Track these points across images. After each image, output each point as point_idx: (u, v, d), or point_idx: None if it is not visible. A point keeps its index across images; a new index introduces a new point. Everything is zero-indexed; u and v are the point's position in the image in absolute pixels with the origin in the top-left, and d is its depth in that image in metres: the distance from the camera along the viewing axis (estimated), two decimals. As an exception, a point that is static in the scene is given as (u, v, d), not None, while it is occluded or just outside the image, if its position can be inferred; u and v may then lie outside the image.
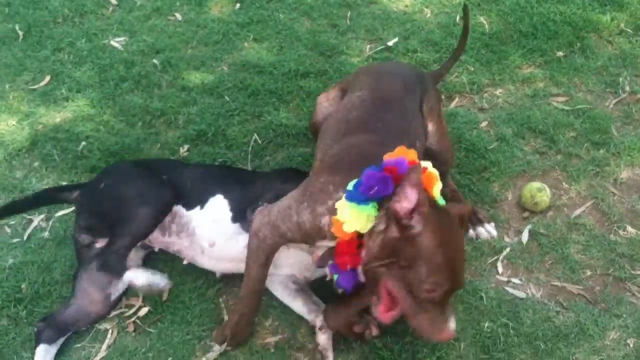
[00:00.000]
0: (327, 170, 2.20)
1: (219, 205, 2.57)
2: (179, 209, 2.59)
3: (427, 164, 2.08)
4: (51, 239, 2.83)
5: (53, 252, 2.77)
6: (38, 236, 2.84)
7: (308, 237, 2.20)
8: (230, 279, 2.65)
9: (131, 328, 2.54)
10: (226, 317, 2.53)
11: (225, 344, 2.43)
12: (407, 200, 1.87)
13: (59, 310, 2.50)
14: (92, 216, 2.56)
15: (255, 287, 2.34)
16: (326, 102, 2.71)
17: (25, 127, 3.31)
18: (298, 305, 2.52)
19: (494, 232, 2.76)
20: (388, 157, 2.01)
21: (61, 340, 2.46)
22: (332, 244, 2.14)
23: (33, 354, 2.40)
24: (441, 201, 2.09)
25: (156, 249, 2.68)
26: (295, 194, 2.24)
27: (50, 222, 2.89)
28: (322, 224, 2.11)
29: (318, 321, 2.42)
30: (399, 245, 1.91)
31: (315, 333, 2.43)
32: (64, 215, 2.91)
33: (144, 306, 2.60)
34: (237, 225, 2.53)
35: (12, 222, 2.89)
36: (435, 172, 2.09)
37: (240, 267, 2.44)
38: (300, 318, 2.53)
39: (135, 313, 2.59)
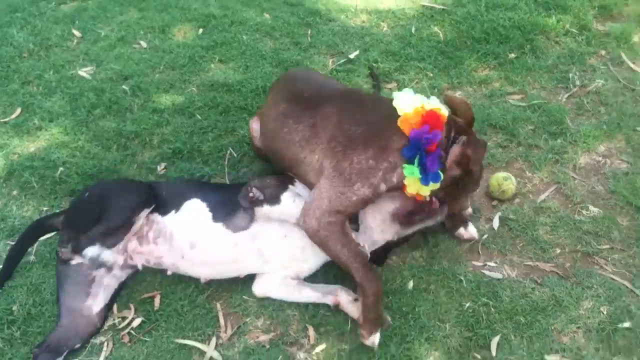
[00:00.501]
0: (352, 150, 2.46)
1: (195, 208, 2.65)
2: (154, 216, 2.66)
3: (419, 99, 2.52)
4: (37, 262, 2.85)
5: (40, 273, 2.80)
6: (24, 260, 2.86)
7: (367, 203, 2.52)
8: (219, 285, 2.72)
9: (126, 339, 2.59)
10: (222, 321, 2.61)
11: (376, 332, 2.48)
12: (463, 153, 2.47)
13: (51, 334, 2.54)
14: (75, 221, 2.63)
15: (362, 262, 2.47)
16: (256, 125, 2.92)
17: (0, 158, 3.34)
18: (309, 294, 2.61)
19: (475, 233, 2.90)
20: (413, 129, 2.43)
21: None
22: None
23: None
24: (445, 112, 2.52)
25: (139, 267, 2.72)
26: (338, 182, 2.46)
27: (35, 246, 2.91)
28: (382, 189, 2.46)
29: (341, 295, 2.55)
30: (458, 178, 2.51)
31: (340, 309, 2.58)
32: (47, 238, 2.94)
33: (137, 317, 2.65)
34: (220, 225, 2.61)
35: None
36: (430, 103, 2.51)
37: (223, 271, 2.58)
38: (291, 315, 2.62)
39: (128, 324, 2.63)
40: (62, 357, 2.51)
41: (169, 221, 2.65)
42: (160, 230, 2.65)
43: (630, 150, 3.21)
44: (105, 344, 2.57)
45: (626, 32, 3.86)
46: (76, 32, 4.15)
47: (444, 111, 2.51)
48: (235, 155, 3.25)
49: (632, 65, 3.69)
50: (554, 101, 3.49)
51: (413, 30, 4.00)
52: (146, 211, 2.62)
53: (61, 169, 3.23)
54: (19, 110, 3.61)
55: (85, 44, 4.06)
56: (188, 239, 2.61)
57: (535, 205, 2.99)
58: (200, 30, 4.10)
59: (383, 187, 2.47)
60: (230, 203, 2.63)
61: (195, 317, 2.64)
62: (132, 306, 2.68)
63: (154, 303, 2.69)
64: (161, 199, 2.70)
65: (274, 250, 2.62)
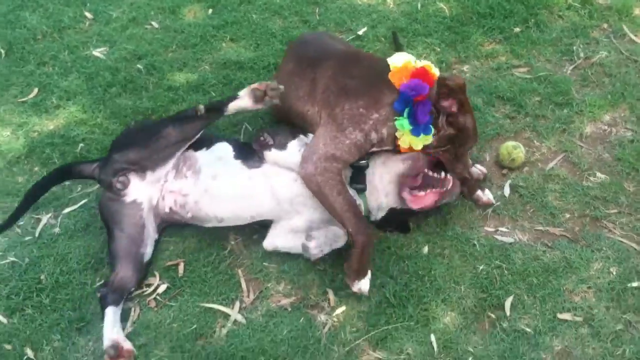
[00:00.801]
0: (345, 98, 2.66)
1: (223, 147, 2.88)
2: (189, 152, 2.87)
3: (406, 57, 2.71)
4: (62, 233, 2.95)
5: (66, 244, 2.89)
6: (49, 232, 2.95)
7: (361, 151, 2.67)
8: (240, 252, 2.82)
9: (153, 304, 2.69)
10: (244, 286, 2.72)
11: (360, 282, 2.59)
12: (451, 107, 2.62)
13: (111, 277, 2.68)
14: (125, 146, 2.84)
15: (355, 212, 2.59)
16: None
17: (20, 136, 3.42)
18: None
19: (484, 169, 3.06)
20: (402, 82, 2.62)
21: (122, 303, 2.63)
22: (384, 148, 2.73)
23: (67, 335, 2.58)
24: (437, 72, 2.71)
25: (167, 209, 2.83)
26: (331, 127, 2.64)
27: (59, 219, 3.01)
28: (372, 137, 2.64)
29: None
30: (452, 137, 2.67)
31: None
32: (72, 211, 3.03)
33: (162, 284, 2.75)
34: (239, 162, 2.81)
35: (21, 223, 3.00)
36: (418, 61, 2.71)
37: (240, 209, 2.74)
38: (311, 280, 2.72)
39: (154, 291, 2.74)
40: (124, 298, 2.66)
41: (200, 155, 2.86)
42: (192, 164, 2.83)
43: (634, 119, 3.31)
44: (133, 309, 2.68)
45: (627, 5, 3.94)
46: (88, 14, 4.21)
47: (435, 70, 2.67)
48: (250, 129, 3.34)
49: (634, 38, 3.78)
50: (559, 73, 3.58)
51: (419, 6, 4.07)
52: (189, 141, 2.86)
53: (81, 145, 3.31)
54: (36, 90, 3.68)
55: (97, 26, 4.12)
56: (212, 172, 2.78)
57: (544, 173, 3.08)
58: (210, 10, 4.17)
59: (374, 135, 2.65)
60: (251, 147, 2.84)
61: (218, 282, 2.74)
62: (157, 274, 2.79)
63: (178, 270, 2.79)
64: (197, 139, 2.90)
65: (285, 190, 2.73)
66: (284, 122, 3.06)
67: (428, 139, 2.66)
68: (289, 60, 3.06)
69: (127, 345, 2.50)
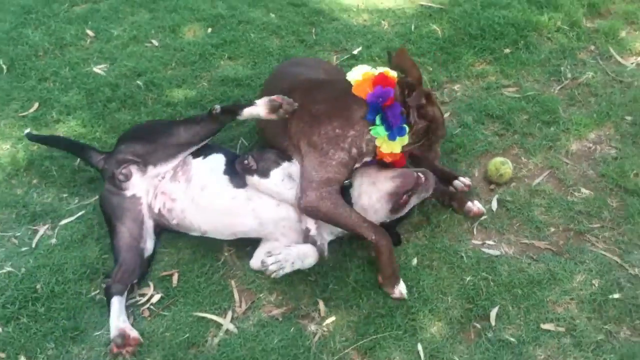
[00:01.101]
0: (318, 124, 2.76)
1: (217, 159, 2.95)
2: (188, 157, 2.96)
3: (364, 69, 2.84)
4: (59, 244, 3.01)
5: (63, 255, 2.96)
6: (45, 243, 3.02)
7: (348, 168, 2.79)
8: (233, 264, 2.89)
9: (146, 313, 2.76)
10: (237, 296, 2.79)
11: (398, 285, 2.71)
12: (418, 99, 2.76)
13: (114, 271, 2.78)
14: (133, 139, 2.99)
15: (366, 222, 2.71)
16: None
17: (19, 149, 3.50)
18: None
19: (468, 181, 3.12)
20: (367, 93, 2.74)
21: (126, 293, 2.75)
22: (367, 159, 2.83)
23: (61, 344, 2.64)
24: (395, 74, 2.81)
25: (156, 210, 2.92)
26: (314, 154, 2.76)
27: (56, 230, 3.08)
28: (354, 153, 2.76)
29: None
30: (425, 129, 2.82)
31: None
32: (68, 222, 3.11)
33: (156, 293, 2.82)
34: (227, 177, 2.87)
35: (18, 234, 3.07)
36: (375, 70, 2.81)
37: (222, 223, 2.83)
38: (302, 291, 2.78)
39: (148, 300, 2.80)
40: (127, 289, 2.76)
41: (195, 164, 2.93)
42: (187, 170, 2.91)
43: (619, 137, 3.40)
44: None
45: (614, 28, 4.06)
46: (89, 32, 4.32)
47: (393, 73, 2.79)
48: (246, 144, 3.43)
49: (620, 59, 3.88)
50: (547, 93, 3.68)
51: (412, 28, 4.19)
52: (197, 145, 2.97)
53: (79, 159, 3.39)
54: (36, 105, 3.77)
55: (98, 43, 4.23)
56: (201, 182, 2.86)
57: (531, 188, 3.16)
58: (209, 29, 4.28)
59: (355, 151, 2.76)
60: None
61: (211, 293, 2.81)
62: (151, 284, 2.85)
63: (172, 280, 2.86)
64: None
65: (269, 214, 2.80)
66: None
67: (405, 140, 2.76)
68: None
69: (134, 333, 2.59)
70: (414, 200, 2.86)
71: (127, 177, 2.90)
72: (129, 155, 2.91)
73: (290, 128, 2.85)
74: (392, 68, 2.84)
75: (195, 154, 2.98)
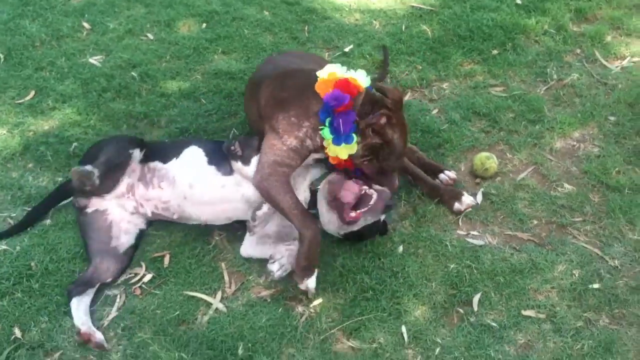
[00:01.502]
0: (279, 109, 2.83)
1: (194, 153, 2.98)
2: (155, 164, 2.97)
3: (333, 69, 2.81)
4: (53, 225, 3.07)
5: (57, 235, 3.01)
6: (40, 223, 3.07)
7: (301, 155, 2.82)
8: (224, 247, 2.96)
9: (138, 292, 2.82)
10: (226, 278, 2.85)
11: (308, 279, 2.72)
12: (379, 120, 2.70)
13: (82, 273, 2.82)
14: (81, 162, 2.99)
15: (300, 210, 2.74)
16: None
17: (16, 135, 3.55)
18: (282, 249, 2.83)
19: (453, 175, 3.20)
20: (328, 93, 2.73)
21: (91, 292, 2.76)
22: (322, 155, 2.85)
23: (54, 318, 2.70)
24: (368, 83, 2.81)
25: (149, 214, 2.98)
26: (271, 136, 2.83)
27: (51, 211, 3.13)
28: (308, 144, 2.80)
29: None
30: (377, 147, 2.73)
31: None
32: (62, 205, 3.15)
33: (148, 273, 2.88)
34: (213, 168, 2.92)
35: (14, 215, 3.12)
36: (345, 73, 2.79)
37: (218, 211, 2.90)
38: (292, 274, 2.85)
39: (140, 279, 2.86)
40: (95, 288, 2.78)
41: (171, 166, 2.95)
42: (164, 175, 2.94)
43: (602, 136, 3.50)
44: (119, 296, 2.80)
45: (600, 32, 4.18)
46: (86, 25, 4.38)
47: (361, 82, 2.78)
48: (238, 134, 3.50)
49: (604, 62, 4.00)
50: (533, 93, 3.78)
51: (403, 28, 4.29)
52: (137, 151, 2.95)
53: (75, 144, 3.45)
54: (32, 93, 3.83)
55: (94, 35, 4.29)
56: (187, 180, 2.90)
57: (515, 182, 3.26)
58: (204, 24, 4.35)
59: (309, 142, 2.80)
60: (222, 151, 2.95)
61: (202, 274, 2.87)
62: (143, 264, 2.91)
63: (164, 261, 2.92)
64: (162, 151, 3.03)
65: (256, 197, 2.87)
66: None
67: (352, 148, 2.72)
68: (248, 86, 3.29)
69: (97, 337, 2.62)
70: (366, 217, 2.80)
71: (86, 205, 2.95)
72: (81, 195, 2.95)
73: (261, 111, 2.93)
74: (375, 86, 2.81)
75: (163, 159, 2.98)
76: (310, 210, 2.85)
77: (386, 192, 2.83)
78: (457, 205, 3.10)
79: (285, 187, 2.76)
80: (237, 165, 2.87)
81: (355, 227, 2.81)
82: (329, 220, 2.84)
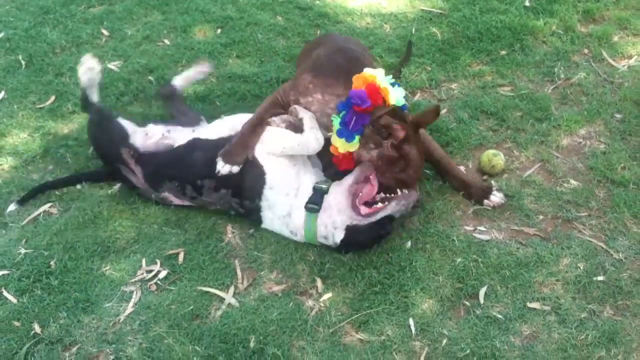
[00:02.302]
0: (309, 72, 3.03)
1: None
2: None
3: (378, 74, 2.89)
4: (72, 224, 3.18)
5: (75, 234, 3.13)
6: (59, 223, 3.18)
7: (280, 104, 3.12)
8: (237, 244, 3.05)
9: (153, 288, 2.91)
10: (239, 274, 2.95)
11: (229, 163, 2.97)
12: (398, 133, 2.82)
13: None
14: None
15: (256, 121, 3.05)
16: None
17: (36, 138, 3.69)
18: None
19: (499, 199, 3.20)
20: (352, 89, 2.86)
21: None
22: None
23: (72, 314, 2.81)
24: (399, 102, 2.89)
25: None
26: (290, 82, 3.17)
27: (70, 211, 3.25)
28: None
29: None
30: (394, 159, 2.86)
31: None
32: (80, 205, 3.27)
33: (163, 270, 2.97)
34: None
35: (36, 213, 3.25)
36: (384, 82, 2.87)
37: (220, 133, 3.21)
38: (301, 270, 2.94)
39: (155, 276, 2.96)
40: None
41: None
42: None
43: (608, 133, 3.54)
44: (135, 292, 2.90)
45: (607, 33, 4.22)
46: (105, 32, 4.52)
47: (392, 97, 2.87)
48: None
49: (611, 62, 4.04)
50: (540, 92, 3.83)
51: (413, 31, 4.37)
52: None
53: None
54: (53, 98, 3.97)
55: (113, 42, 4.43)
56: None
57: (522, 179, 3.31)
58: (219, 30, 4.47)
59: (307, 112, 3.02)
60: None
61: (215, 270, 2.96)
62: (158, 261, 3.01)
63: (178, 258, 3.02)
64: None
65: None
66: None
67: (351, 147, 2.87)
68: (307, 48, 3.53)
69: None
70: (390, 208, 2.91)
71: None
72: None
73: (304, 64, 3.21)
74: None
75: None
76: (310, 205, 2.95)
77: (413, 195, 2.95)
78: (486, 202, 3.17)
79: (270, 106, 3.09)
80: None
81: (379, 214, 2.89)
82: (339, 209, 2.91)
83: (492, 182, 3.28)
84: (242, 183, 3.02)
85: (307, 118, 2.98)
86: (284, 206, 2.99)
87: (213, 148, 3.07)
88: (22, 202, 3.29)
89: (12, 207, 3.28)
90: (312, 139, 2.97)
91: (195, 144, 3.19)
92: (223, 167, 2.98)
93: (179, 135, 3.29)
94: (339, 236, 2.92)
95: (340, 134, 2.86)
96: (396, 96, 2.89)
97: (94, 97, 3.51)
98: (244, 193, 3.04)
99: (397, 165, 2.89)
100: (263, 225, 3.09)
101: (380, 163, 2.89)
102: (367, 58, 3.30)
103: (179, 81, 3.72)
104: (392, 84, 2.92)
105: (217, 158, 2.99)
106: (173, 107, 3.64)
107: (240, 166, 2.98)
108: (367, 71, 2.90)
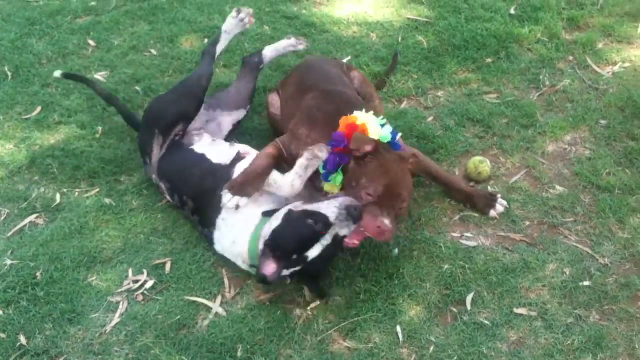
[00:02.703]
0: (304, 125, 3.07)
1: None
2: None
3: (359, 114, 2.93)
4: (58, 235, 3.17)
5: (61, 244, 3.12)
6: (45, 234, 3.17)
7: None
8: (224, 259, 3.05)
9: (140, 298, 2.90)
10: (226, 283, 2.94)
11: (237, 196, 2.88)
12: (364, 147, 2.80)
13: None
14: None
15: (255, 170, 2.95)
16: (275, 96, 3.56)
17: (22, 149, 3.67)
18: None
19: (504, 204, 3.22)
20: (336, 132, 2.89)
21: None
22: None
23: (58, 325, 2.80)
24: (384, 138, 2.91)
25: None
26: (288, 136, 3.08)
27: (56, 222, 3.23)
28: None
29: None
30: (355, 172, 2.82)
31: None
32: (67, 215, 3.26)
33: (150, 279, 2.97)
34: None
35: (21, 225, 3.23)
36: (365, 119, 2.90)
37: None
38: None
39: (141, 286, 2.95)
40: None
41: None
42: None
43: (593, 139, 3.57)
44: (121, 302, 2.89)
45: (591, 40, 4.25)
46: (91, 42, 4.51)
47: (372, 131, 2.89)
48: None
49: (596, 68, 4.07)
50: (525, 98, 3.86)
51: (399, 39, 4.39)
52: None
53: (80, 157, 3.56)
54: (39, 108, 3.95)
55: (99, 52, 4.42)
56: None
57: (508, 185, 3.33)
58: (206, 40, 4.46)
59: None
60: None
61: (202, 279, 2.96)
62: (145, 271, 3.00)
63: (165, 268, 3.01)
64: None
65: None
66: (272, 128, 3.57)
67: (333, 187, 2.89)
68: (292, 83, 3.49)
69: None
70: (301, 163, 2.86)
71: None
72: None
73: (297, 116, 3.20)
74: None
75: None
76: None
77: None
78: (492, 213, 3.18)
79: (265, 160, 2.98)
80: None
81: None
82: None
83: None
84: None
85: (300, 164, 2.87)
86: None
87: (211, 171, 3.08)
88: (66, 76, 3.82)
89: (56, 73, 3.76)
90: (286, 183, 2.90)
91: (201, 159, 3.18)
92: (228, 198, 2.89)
93: (214, 129, 3.48)
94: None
95: (324, 176, 2.91)
96: (377, 131, 2.91)
97: (222, 47, 3.68)
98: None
99: (359, 176, 2.80)
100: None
101: (348, 176, 2.86)
102: (350, 88, 3.40)
103: (269, 51, 3.70)
104: (382, 125, 2.95)
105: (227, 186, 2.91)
106: (244, 79, 3.67)
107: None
108: (357, 114, 2.93)
